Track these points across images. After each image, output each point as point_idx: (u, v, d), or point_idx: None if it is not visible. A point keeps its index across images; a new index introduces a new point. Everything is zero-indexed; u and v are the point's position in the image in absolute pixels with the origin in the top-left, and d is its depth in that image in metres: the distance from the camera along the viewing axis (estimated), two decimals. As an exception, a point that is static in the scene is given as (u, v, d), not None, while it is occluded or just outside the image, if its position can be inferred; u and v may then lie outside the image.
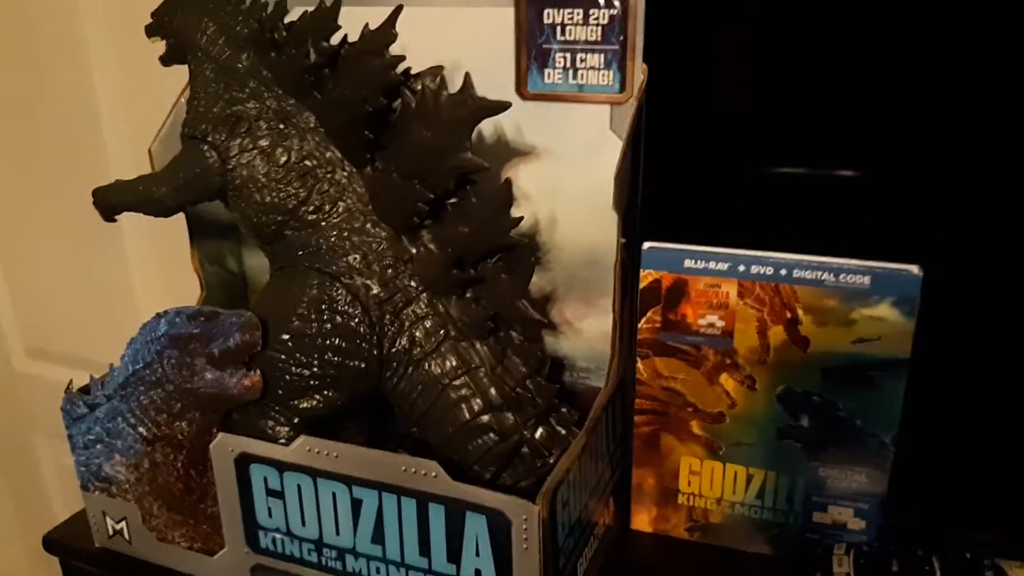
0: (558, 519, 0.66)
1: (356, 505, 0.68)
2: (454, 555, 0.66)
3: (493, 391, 0.70)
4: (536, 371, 0.73)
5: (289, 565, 0.73)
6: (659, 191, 0.77)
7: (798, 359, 0.74)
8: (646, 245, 0.75)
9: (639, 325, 0.77)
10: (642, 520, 0.84)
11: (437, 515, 0.65)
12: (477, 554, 0.65)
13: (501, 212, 0.71)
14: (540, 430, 0.71)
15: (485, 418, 0.70)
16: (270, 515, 0.72)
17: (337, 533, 0.70)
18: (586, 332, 0.82)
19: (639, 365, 0.78)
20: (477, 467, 0.71)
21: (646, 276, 0.75)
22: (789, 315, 0.73)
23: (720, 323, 0.75)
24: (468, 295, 0.71)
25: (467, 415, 0.70)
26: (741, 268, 0.73)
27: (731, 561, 0.80)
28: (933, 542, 0.74)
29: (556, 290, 0.82)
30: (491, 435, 0.70)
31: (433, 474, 0.64)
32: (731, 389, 0.76)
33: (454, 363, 0.69)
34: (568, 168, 0.79)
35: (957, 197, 0.78)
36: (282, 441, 0.70)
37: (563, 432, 0.73)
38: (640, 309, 0.77)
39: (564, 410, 0.75)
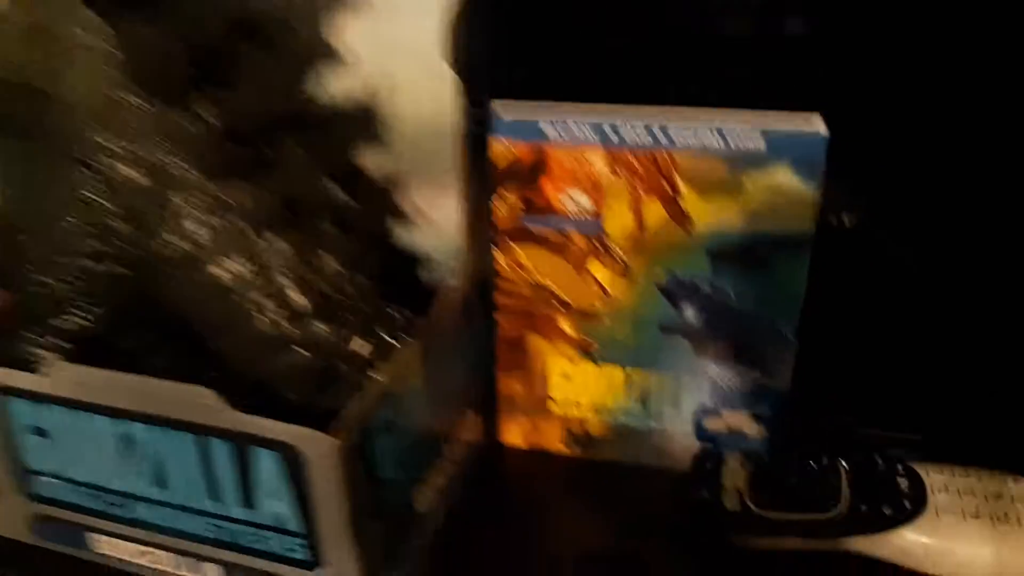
0: (376, 447, 0.53)
1: (130, 443, 0.54)
2: (248, 498, 0.52)
3: (297, 295, 0.55)
4: (356, 268, 0.58)
5: (73, 515, 0.59)
6: (512, 42, 0.61)
7: (680, 240, 0.60)
8: (494, 107, 0.59)
9: (496, 209, 0.62)
10: (513, 434, 0.71)
11: (221, 452, 0.51)
12: (274, 496, 0.52)
13: (303, 71, 0.54)
14: (363, 340, 0.57)
15: (287, 328, 0.55)
16: (41, 458, 0.58)
17: (116, 477, 0.56)
18: (440, 220, 0.67)
19: (498, 257, 0.64)
20: (285, 390, 0.57)
21: (497, 147, 0.60)
22: (668, 187, 0.58)
23: (587, 201, 0.60)
24: (262, 179, 0.55)
25: (265, 326, 0.55)
26: (609, 131, 0.58)
27: (613, 477, 0.68)
28: (841, 447, 0.63)
29: (400, 171, 0.67)
30: (298, 349, 0.56)
31: (208, 402, 0.50)
32: (603, 279, 0.63)
33: (244, 263, 0.54)
34: (406, 20, 0.62)
35: (869, 36, 0.63)
36: (42, 371, 0.55)
37: (394, 342, 0.59)
38: (493, 188, 0.62)
39: (396, 315, 0.60)
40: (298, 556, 0.54)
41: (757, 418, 0.65)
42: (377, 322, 0.59)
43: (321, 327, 0.56)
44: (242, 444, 0.51)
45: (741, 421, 0.65)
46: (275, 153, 0.55)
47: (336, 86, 0.61)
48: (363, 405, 0.51)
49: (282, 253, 0.55)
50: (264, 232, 0.54)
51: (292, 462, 0.50)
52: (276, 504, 0.52)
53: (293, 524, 0.53)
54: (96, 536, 0.59)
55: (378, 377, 0.54)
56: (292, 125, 0.54)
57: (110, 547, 0.59)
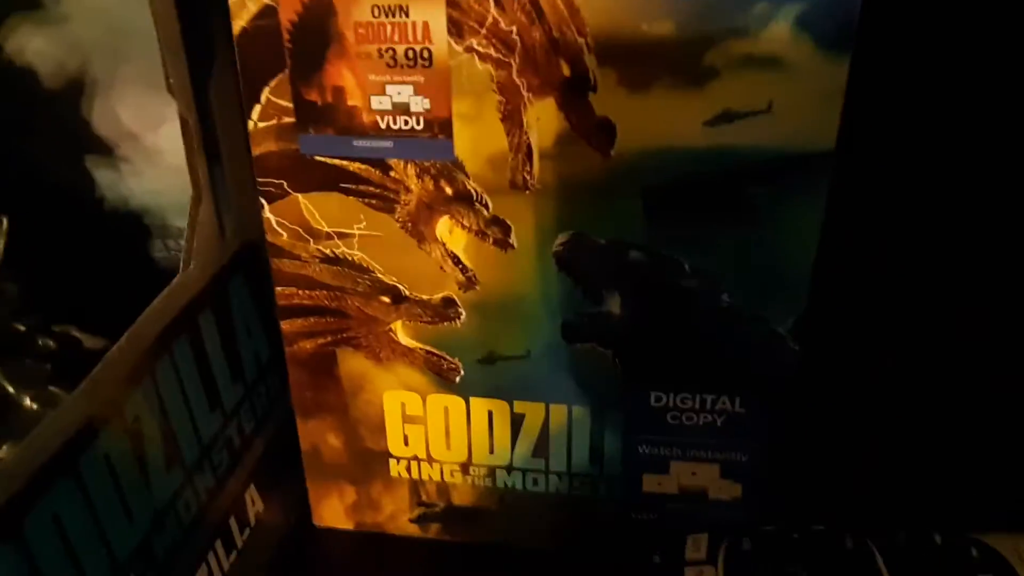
0: (42, 554, 0.24)
1: None
2: None
3: None
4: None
5: None
6: None
7: (595, 172, 0.32)
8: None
9: (251, 123, 0.33)
10: (332, 512, 0.43)
11: None
12: None
13: None
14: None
15: None
16: None
17: None
18: (171, 152, 0.38)
19: (266, 214, 0.35)
20: None
21: (241, 2, 0.31)
22: (567, 69, 0.31)
23: (420, 101, 0.32)
24: None
25: None
26: (451, -41, 0.30)
27: (497, 568, 0.41)
28: (870, 517, 0.37)
29: (88, 66, 0.37)
30: None
31: None
32: (461, 249, 0.35)
33: None
34: None
35: None
36: None
37: (28, 402, 0.29)
38: (245, 84, 0.33)
39: (46, 342, 0.31)
40: None
41: (730, 473, 0.38)
42: (25, 354, 0.29)
43: None
44: None
45: (704, 477, 0.39)
46: None
47: None
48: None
49: None
50: None
51: None
52: None
53: None
54: None
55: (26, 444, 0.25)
56: None
57: None
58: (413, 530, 0.43)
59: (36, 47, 0.36)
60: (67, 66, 0.37)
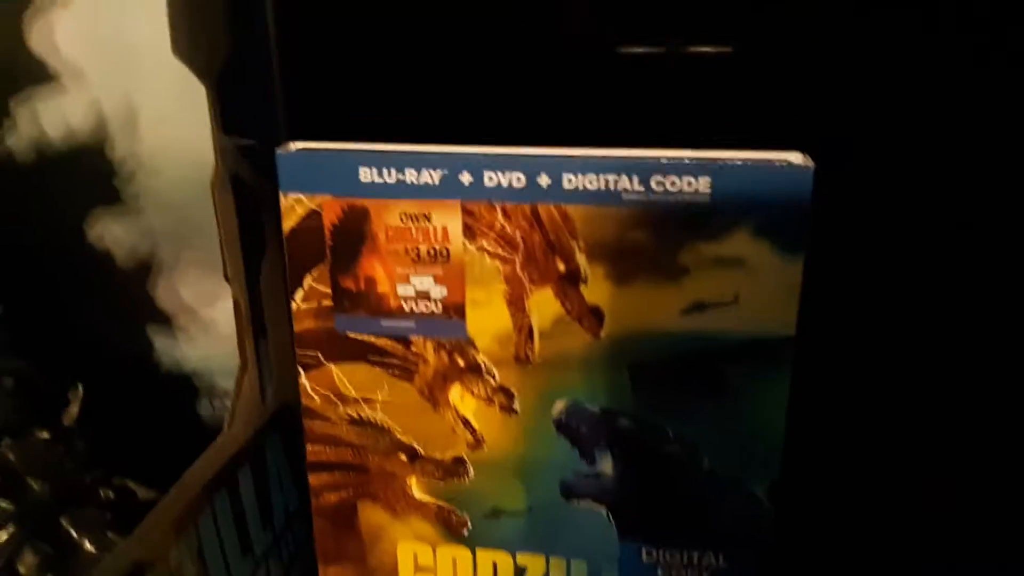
0: None
1: None
2: None
3: None
4: (27, 418, 0.33)
5: None
6: (306, 44, 0.39)
7: (587, 350, 0.37)
8: (286, 147, 0.37)
9: (294, 305, 0.39)
10: (348, 656, 0.46)
11: None
12: None
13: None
14: (28, 550, 0.32)
15: None
16: None
17: None
18: (222, 323, 0.43)
19: (303, 381, 0.40)
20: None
21: (292, 207, 0.37)
22: (562, 266, 0.36)
23: (438, 290, 0.38)
24: None
25: None
26: (465, 178, 0.36)
27: None
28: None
29: (157, 249, 0.43)
30: None
31: None
32: (471, 414, 0.39)
33: None
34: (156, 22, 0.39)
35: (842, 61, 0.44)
36: None
37: (88, 545, 0.33)
38: (291, 272, 0.38)
39: (106, 493, 0.35)
40: None
41: (718, 626, 0.41)
42: (68, 509, 0.34)
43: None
44: None
45: (694, 631, 0.41)
46: None
47: (34, 108, 0.38)
48: None
49: None
50: None
51: None
52: None
53: None
54: None
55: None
56: None
57: None
58: (423, 677, 0.45)
59: (114, 235, 0.43)
60: (139, 250, 0.43)
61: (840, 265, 0.42)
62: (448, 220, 0.36)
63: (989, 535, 0.46)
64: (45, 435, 0.34)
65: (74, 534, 0.34)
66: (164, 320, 0.44)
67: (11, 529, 0.32)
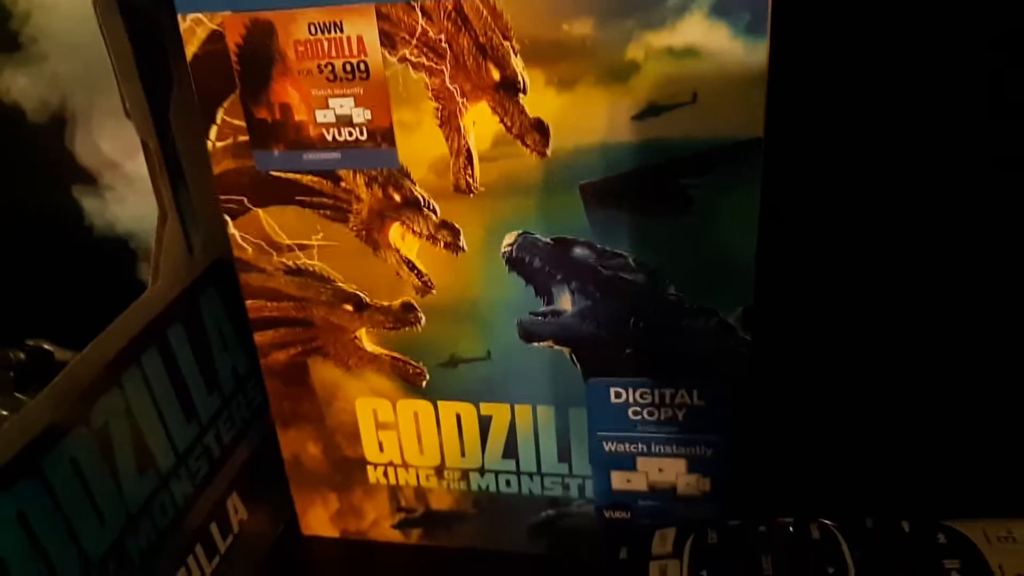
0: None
1: None
2: None
3: None
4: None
5: None
6: None
7: (534, 172, 0.33)
8: (175, -46, 0.32)
9: (209, 143, 0.35)
10: (318, 519, 0.43)
11: None
12: None
13: None
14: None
15: None
16: None
17: None
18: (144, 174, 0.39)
19: (231, 230, 0.36)
20: None
21: (191, 29, 0.32)
22: (497, 73, 0.31)
23: (361, 113, 0.33)
24: None
25: None
26: (377, -26, 0.30)
27: (475, 574, 0.41)
28: (836, 506, 0.36)
29: (67, 100, 0.39)
30: None
31: None
32: (414, 254, 0.35)
33: None
34: None
35: None
36: None
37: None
38: (201, 106, 0.34)
39: (15, 354, 0.32)
40: None
41: (696, 467, 0.38)
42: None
43: None
44: None
45: (671, 472, 0.38)
46: None
47: None
48: None
49: None
50: None
51: None
52: None
53: None
54: None
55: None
56: None
57: None
58: (396, 536, 0.43)
59: (20, 86, 0.38)
60: (50, 102, 0.39)
61: (808, 62, 0.36)
62: (363, 28, 0.31)
63: (962, 369, 0.42)
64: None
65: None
66: (88, 179, 0.40)
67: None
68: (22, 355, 0.33)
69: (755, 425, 0.36)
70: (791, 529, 0.35)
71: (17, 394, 0.32)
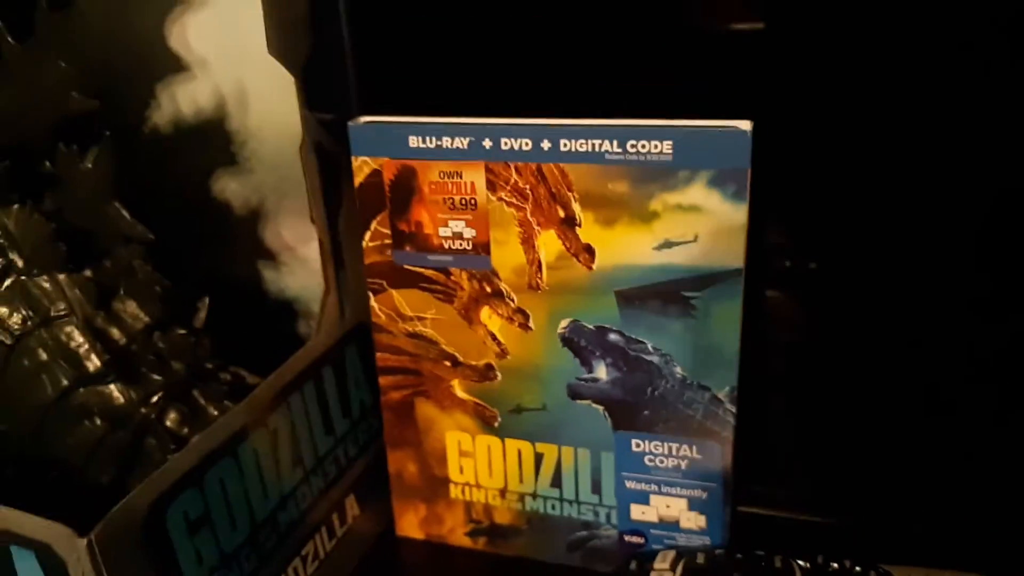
0: (177, 546, 0.40)
1: None
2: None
3: (90, 351, 0.43)
4: (175, 317, 0.45)
5: None
6: (372, 41, 0.50)
7: (583, 279, 0.47)
8: (356, 121, 0.48)
9: (364, 243, 0.50)
10: (409, 523, 0.57)
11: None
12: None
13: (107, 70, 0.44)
14: (173, 409, 0.44)
15: (81, 393, 0.43)
16: None
17: None
18: (315, 259, 0.55)
19: (372, 303, 0.51)
20: (90, 469, 0.44)
21: (360, 167, 0.48)
22: (562, 212, 0.46)
23: (469, 232, 0.48)
24: (41, 203, 0.43)
25: (51, 391, 0.43)
26: (487, 143, 0.46)
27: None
28: (799, 544, 0.48)
29: (263, 201, 0.55)
30: (95, 420, 0.43)
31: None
32: (497, 330, 0.50)
33: (22, 311, 0.42)
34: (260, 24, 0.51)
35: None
36: None
37: (212, 410, 0.46)
38: (362, 218, 0.50)
39: (226, 377, 0.48)
40: None
41: (694, 506, 0.50)
42: (199, 385, 0.46)
43: (115, 393, 0.43)
44: (2, 542, 0.38)
45: (675, 509, 0.50)
46: (55, 169, 0.43)
47: (171, 93, 0.50)
48: (146, 491, 0.38)
49: (71, 298, 0.43)
50: (45, 270, 0.42)
51: (51, 566, 0.37)
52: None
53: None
54: None
55: (180, 455, 0.41)
56: (81, 136, 0.43)
57: None
58: (467, 542, 0.56)
59: (232, 189, 0.55)
60: (251, 201, 0.55)
61: (785, 210, 0.49)
62: (475, 176, 0.46)
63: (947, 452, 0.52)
64: (183, 332, 0.46)
65: (202, 402, 0.46)
66: (270, 256, 0.56)
67: (160, 396, 0.45)
68: (228, 377, 0.49)
69: (742, 475, 0.48)
70: (760, 558, 0.47)
71: (226, 402, 0.47)
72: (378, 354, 0.52)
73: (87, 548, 0.35)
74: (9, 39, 0.43)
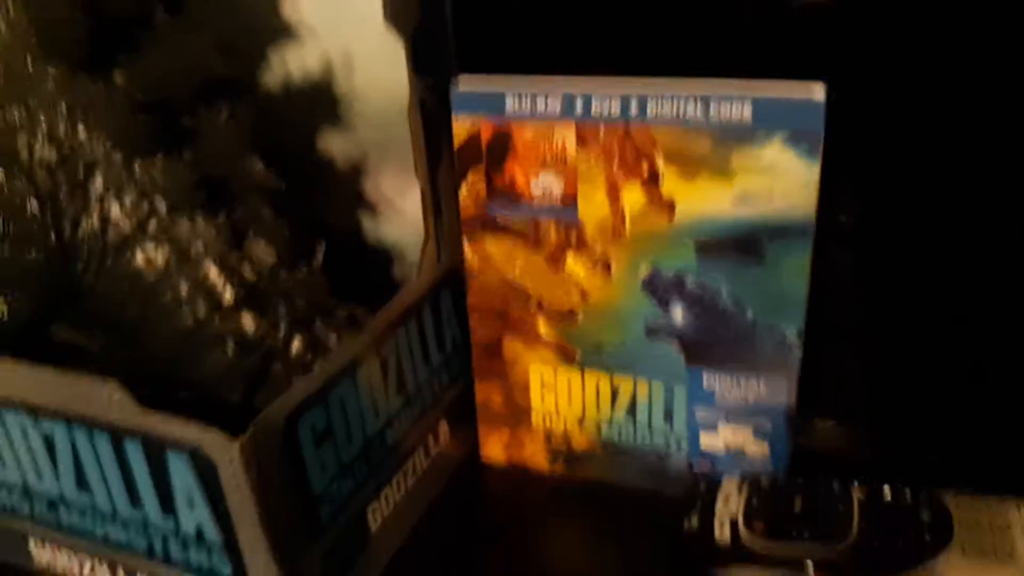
0: (307, 453, 0.46)
1: (48, 441, 0.48)
2: (168, 505, 0.46)
3: (224, 286, 0.49)
4: (297, 258, 0.51)
5: (4, 520, 0.54)
6: (471, 6, 0.54)
7: (664, 230, 0.51)
8: (455, 82, 0.52)
9: (460, 195, 0.55)
10: (494, 448, 0.63)
11: (136, 453, 0.45)
12: (191, 505, 0.45)
13: (238, 38, 0.48)
14: (297, 338, 0.50)
15: (216, 323, 0.49)
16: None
17: (40, 477, 0.50)
18: (411, 211, 0.60)
19: (466, 249, 0.57)
20: (222, 390, 0.51)
21: (460, 126, 0.53)
22: (647, 168, 0.50)
23: (558, 186, 0.52)
24: (183, 154, 0.49)
25: (190, 321, 0.49)
26: (579, 106, 0.50)
27: (599, 500, 0.59)
28: (855, 470, 0.53)
29: (366, 157, 0.60)
30: (229, 346, 0.49)
31: (115, 396, 0.44)
32: (581, 276, 0.55)
33: (166, 249, 0.48)
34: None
35: None
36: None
37: (333, 338, 0.52)
38: (459, 172, 0.54)
39: (342, 311, 0.53)
40: (224, 573, 0.47)
41: (759, 435, 0.55)
42: (319, 318, 0.52)
43: (249, 322, 0.49)
44: (155, 445, 0.44)
45: (741, 438, 0.56)
46: (195, 125, 0.49)
47: (285, 58, 0.55)
48: (283, 406, 0.44)
49: (207, 238, 0.49)
50: (185, 214, 0.48)
51: (203, 466, 0.44)
52: (195, 512, 0.45)
53: (213, 535, 0.46)
54: (32, 542, 0.54)
55: (309, 377, 0.47)
56: (218, 96, 0.48)
57: (45, 555, 0.54)
58: (546, 466, 0.62)
59: (337, 146, 0.60)
60: (345, 151, 0.60)
61: (854, 170, 0.53)
62: (566, 136, 0.51)
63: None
64: (304, 272, 0.52)
65: (322, 334, 0.52)
66: (371, 208, 0.61)
67: (285, 326, 0.51)
68: (344, 313, 0.55)
69: (805, 408, 0.53)
70: (820, 483, 0.52)
71: (341, 333, 0.53)
72: (469, 296, 0.58)
73: (240, 451, 0.42)
74: (163, 13, 0.48)
